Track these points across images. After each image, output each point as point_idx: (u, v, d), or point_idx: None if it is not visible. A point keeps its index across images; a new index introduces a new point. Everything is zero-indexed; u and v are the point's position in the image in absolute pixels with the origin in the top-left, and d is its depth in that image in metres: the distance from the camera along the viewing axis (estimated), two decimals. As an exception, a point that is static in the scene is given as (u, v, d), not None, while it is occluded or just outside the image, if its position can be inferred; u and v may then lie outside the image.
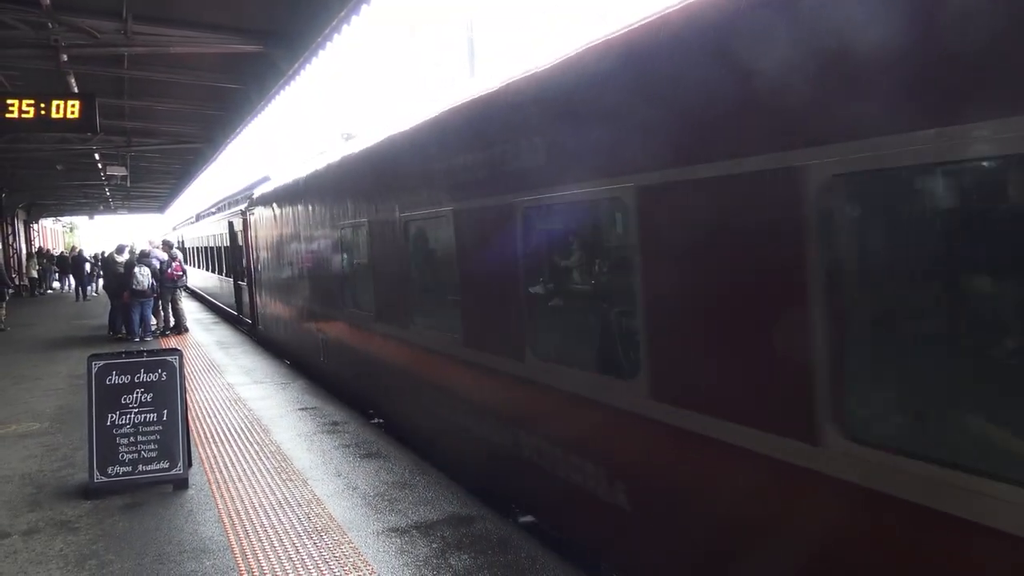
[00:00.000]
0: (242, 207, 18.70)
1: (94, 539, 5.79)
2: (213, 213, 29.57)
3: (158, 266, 17.36)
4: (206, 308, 27.16)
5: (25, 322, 22.44)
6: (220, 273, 25.05)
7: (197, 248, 32.32)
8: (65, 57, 11.93)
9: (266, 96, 14.86)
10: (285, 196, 13.23)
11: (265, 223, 15.06)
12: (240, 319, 20.48)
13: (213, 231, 25.90)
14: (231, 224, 20.63)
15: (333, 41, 10.82)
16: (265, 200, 15.18)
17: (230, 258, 21.61)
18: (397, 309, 8.05)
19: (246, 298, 18.67)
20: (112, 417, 6.77)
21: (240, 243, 19.15)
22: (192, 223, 37.75)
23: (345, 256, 9.96)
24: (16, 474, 7.54)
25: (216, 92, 16.72)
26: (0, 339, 18.80)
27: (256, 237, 16.30)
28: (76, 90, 14.00)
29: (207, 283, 29.30)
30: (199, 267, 31.52)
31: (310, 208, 11.34)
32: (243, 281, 19.06)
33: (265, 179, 19.19)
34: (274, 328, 15.34)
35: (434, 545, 5.37)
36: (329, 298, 10.69)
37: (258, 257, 16.25)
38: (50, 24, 11.11)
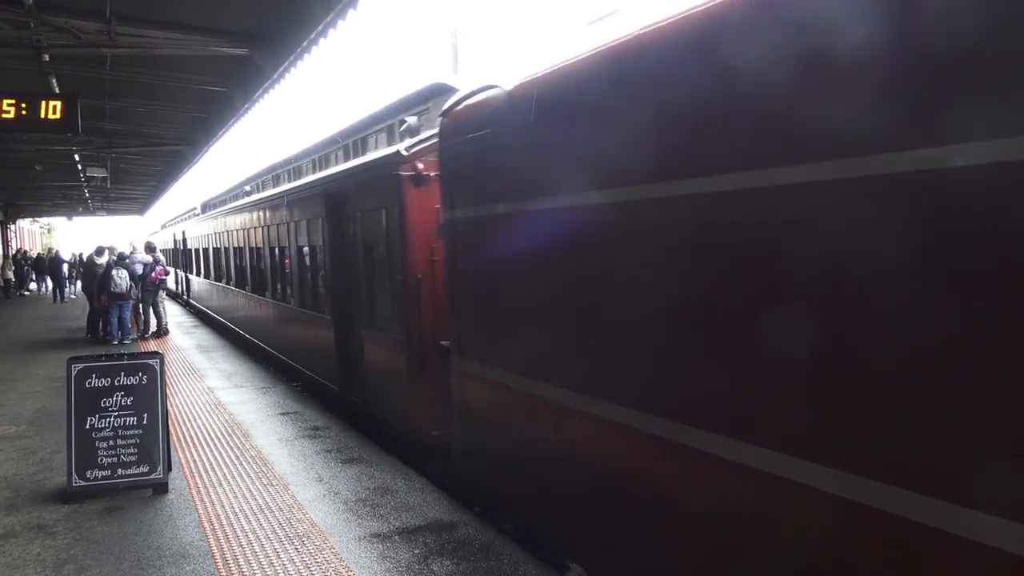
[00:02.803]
0: (395, 151, 8.02)
1: (72, 543, 5.74)
2: (248, 193, 21.94)
3: (141, 271, 17.18)
4: (188, 312, 26.52)
5: (1, 324, 22.16)
6: (282, 300, 13.44)
7: (216, 250, 20.85)
8: (47, 57, 11.82)
9: (250, 99, 14.79)
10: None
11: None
12: (382, 423, 8.82)
13: (261, 222, 14.84)
14: (332, 204, 10.06)
15: (319, 45, 10.82)
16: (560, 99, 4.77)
17: (325, 274, 10.66)
18: None
19: (406, 381, 7.84)
20: (91, 420, 6.71)
21: (378, 237, 8.60)
22: (196, 216, 29.77)
23: None
24: (-8, 478, 7.46)
25: (199, 95, 16.62)
26: (-25, 341, 18.57)
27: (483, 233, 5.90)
28: (58, 91, 13.88)
29: (251, 312, 16.44)
30: (226, 282, 19.26)
31: None
32: (395, 332, 8.13)
33: (446, 89, 9.88)
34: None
35: (416, 551, 5.38)
36: None
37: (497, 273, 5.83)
38: (32, 24, 11.01)
